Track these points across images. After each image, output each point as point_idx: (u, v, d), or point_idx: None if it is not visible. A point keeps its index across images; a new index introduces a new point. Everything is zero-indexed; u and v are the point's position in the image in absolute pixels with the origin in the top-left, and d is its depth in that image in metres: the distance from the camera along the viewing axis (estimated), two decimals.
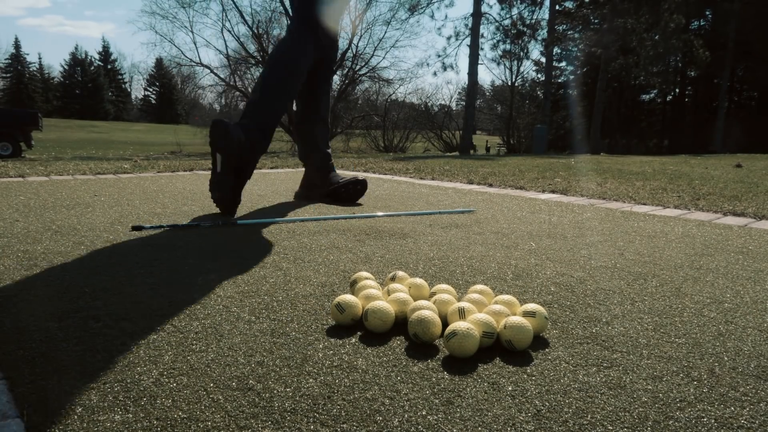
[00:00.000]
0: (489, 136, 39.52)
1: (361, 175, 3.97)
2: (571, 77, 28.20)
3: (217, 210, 2.28)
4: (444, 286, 1.19)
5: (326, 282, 1.33)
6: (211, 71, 24.42)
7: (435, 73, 51.56)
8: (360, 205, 2.52)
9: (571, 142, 23.29)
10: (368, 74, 25.77)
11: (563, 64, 29.11)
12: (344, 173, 4.12)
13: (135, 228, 1.87)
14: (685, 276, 1.45)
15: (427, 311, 1.00)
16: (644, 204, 2.80)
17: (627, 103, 29.27)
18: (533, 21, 23.49)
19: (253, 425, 0.72)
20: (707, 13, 26.26)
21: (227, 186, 2.14)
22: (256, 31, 22.98)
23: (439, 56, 25.45)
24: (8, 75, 64.84)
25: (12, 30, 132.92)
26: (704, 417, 0.76)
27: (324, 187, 2.58)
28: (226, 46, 35.11)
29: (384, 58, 38.34)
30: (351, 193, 2.56)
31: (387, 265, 1.49)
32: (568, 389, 0.83)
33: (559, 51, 25.50)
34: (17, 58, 64.88)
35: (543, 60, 25.90)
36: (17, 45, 65.71)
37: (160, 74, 71.06)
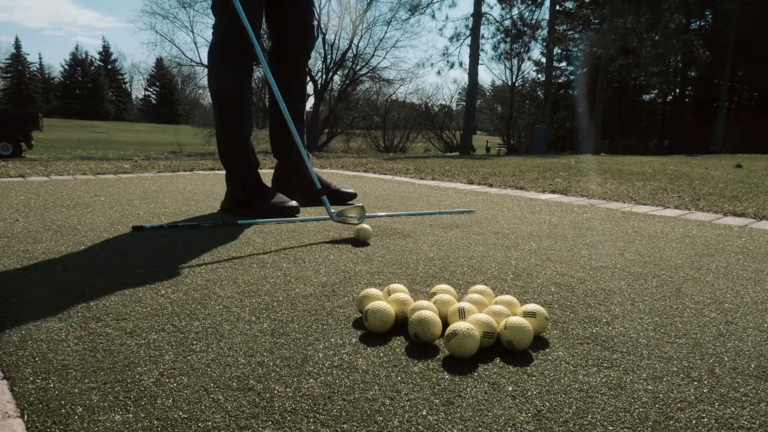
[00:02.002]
0: (489, 136, 39.50)
1: (358, 176, 3.98)
2: (572, 77, 28.20)
3: (216, 210, 2.29)
4: (444, 286, 1.19)
5: (326, 282, 1.33)
6: None
7: (439, 72, 51.28)
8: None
9: (572, 143, 23.31)
10: (368, 74, 25.82)
11: (563, 64, 29.15)
12: (345, 174, 4.11)
13: (135, 228, 1.87)
14: (686, 276, 1.45)
15: (427, 311, 1.00)
16: (644, 204, 2.80)
17: (627, 104, 29.25)
18: (533, 21, 23.51)
19: (253, 425, 0.72)
20: (707, 13, 26.25)
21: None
22: None
23: (444, 54, 25.45)
24: (9, 75, 64.87)
25: (37, 40, 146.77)
26: (704, 417, 0.76)
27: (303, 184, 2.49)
28: None
29: (384, 58, 38.42)
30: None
31: (387, 265, 1.49)
32: (568, 389, 0.83)
33: (559, 51, 25.52)
34: (17, 58, 64.91)
35: (543, 60, 25.91)
36: (18, 45, 65.76)
37: (161, 74, 71.08)
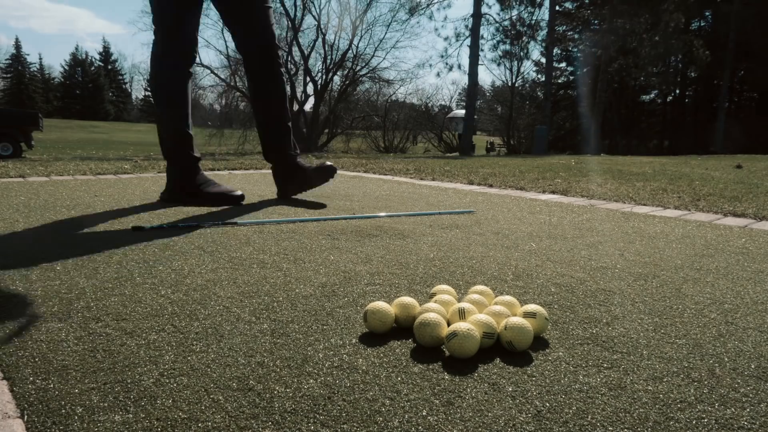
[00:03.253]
0: (489, 136, 39.47)
1: (358, 176, 3.98)
2: (572, 78, 28.21)
3: (217, 210, 2.29)
4: (444, 286, 1.19)
5: (326, 282, 1.33)
6: (212, 72, 24.48)
7: (438, 74, 50.91)
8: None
9: (572, 143, 23.33)
10: (368, 75, 25.84)
11: (563, 64, 29.15)
12: (345, 174, 4.11)
13: (135, 228, 1.87)
14: (686, 277, 1.45)
15: (432, 314, 0.99)
16: (645, 205, 2.80)
17: (627, 104, 29.24)
18: (533, 22, 23.50)
19: (253, 426, 0.72)
20: (707, 14, 26.26)
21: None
22: None
23: (442, 57, 25.49)
24: (9, 75, 64.86)
25: (42, 43, 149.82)
26: (704, 418, 0.76)
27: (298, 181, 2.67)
28: (227, 46, 35.00)
29: (384, 58, 38.37)
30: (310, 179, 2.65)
31: (387, 265, 1.49)
32: (568, 390, 0.83)
33: (559, 52, 25.54)
34: (18, 58, 64.90)
35: (543, 61, 25.91)
36: (18, 46, 65.77)
37: None
